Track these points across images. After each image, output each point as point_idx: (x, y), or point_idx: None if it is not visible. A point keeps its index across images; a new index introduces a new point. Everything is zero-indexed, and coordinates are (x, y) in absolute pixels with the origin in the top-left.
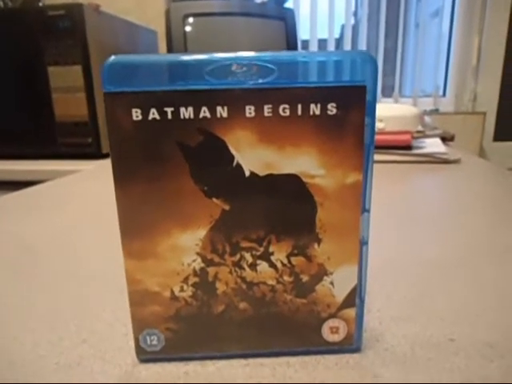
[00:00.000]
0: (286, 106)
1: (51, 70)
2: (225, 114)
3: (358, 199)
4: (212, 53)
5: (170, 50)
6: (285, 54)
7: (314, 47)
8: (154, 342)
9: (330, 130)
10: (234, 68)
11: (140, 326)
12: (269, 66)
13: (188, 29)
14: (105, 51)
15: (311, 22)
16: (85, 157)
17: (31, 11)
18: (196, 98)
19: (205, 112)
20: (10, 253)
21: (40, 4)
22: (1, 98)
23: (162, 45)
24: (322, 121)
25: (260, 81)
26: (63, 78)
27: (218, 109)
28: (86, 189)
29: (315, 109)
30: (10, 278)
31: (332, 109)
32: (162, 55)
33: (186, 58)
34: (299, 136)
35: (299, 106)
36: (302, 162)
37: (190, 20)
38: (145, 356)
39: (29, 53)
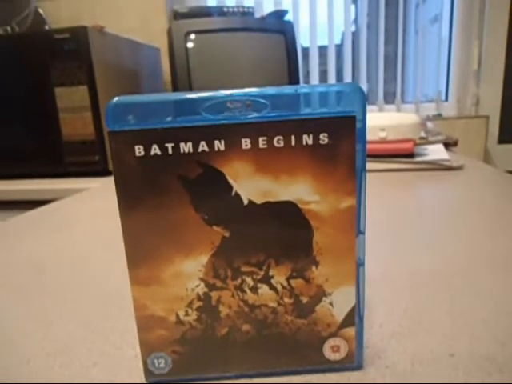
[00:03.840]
0: (280, 137)
1: (58, 90)
2: (222, 148)
3: (353, 222)
4: (207, 91)
5: (172, 66)
6: (276, 89)
7: (314, 54)
8: (162, 365)
9: (322, 158)
10: (229, 104)
11: (148, 349)
12: (261, 100)
13: (190, 45)
14: (109, 70)
15: (311, 29)
16: (92, 174)
17: (38, 35)
18: (194, 134)
19: (203, 146)
20: (20, 274)
21: (46, 28)
22: (10, 119)
23: (165, 61)
24: (314, 150)
25: (254, 115)
26: (70, 99)
27: (216, 143)
28: (94, 207)
29: (308, 139)
30: (21, 299)
31: (324, 138)
32: (162, 95)
33: (184, 96)
34: (294, 165)
35: (292, 137)
36: (297, 189)
37: (192, 37)
38: (153, 378)
39: (36, 75)
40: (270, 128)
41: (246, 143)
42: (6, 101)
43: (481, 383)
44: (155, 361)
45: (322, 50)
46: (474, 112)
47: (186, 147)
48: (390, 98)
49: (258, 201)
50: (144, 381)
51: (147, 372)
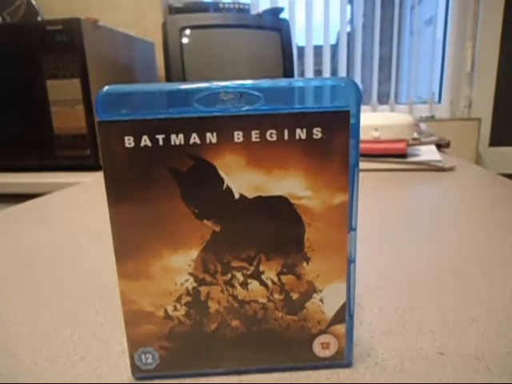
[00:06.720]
0: (273, 131)
1: (50, 83)
2: (214, 140)
3: (345, 219)
4: (200, 82)
5: (167, 61)
6: (270, 82)
7: (309, 54)
8: (149, 361)
9: (315, 153)
10: (222, 96)
11: (135, 344)
12: (255, 93)
13: (185, 41)
14: (103, 64)
15: (307, 29)
16: (83, 169)
17: (30, 26)
18: (186, 125)
19: (195, 138)
20: (9, 267)
21: (38, 19)
22: (0, 112)
23: (160, 56)
24: (307, 145)
25: (247, 108)
26: (62, 91)
27: (208, 135)
28: (84, 201)
29: (301, 133)
30: (7, 292)
31: (317, 133)
32: (154, 85)
33: (176, 87)
34: (286, 159)
35: (285, 131)
36: (289, 184)
37: (187, 32)
38: (140, 374)
39: (28, 67)
40: (262, 121)
41: (238, 136)
42: None
43: (468, 381)
44: (142, 356)
45: (317, 50)
46: (467, 114)
47: (177, 139)
48: (383, 98)
49: (250, 195)
50: (131, 376)
51: (134, 367)
